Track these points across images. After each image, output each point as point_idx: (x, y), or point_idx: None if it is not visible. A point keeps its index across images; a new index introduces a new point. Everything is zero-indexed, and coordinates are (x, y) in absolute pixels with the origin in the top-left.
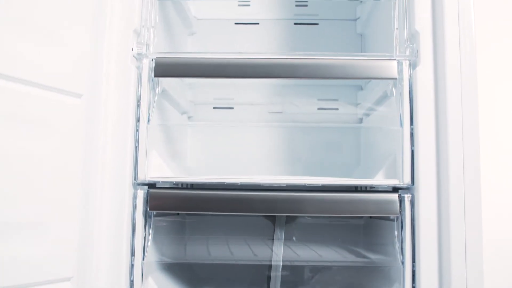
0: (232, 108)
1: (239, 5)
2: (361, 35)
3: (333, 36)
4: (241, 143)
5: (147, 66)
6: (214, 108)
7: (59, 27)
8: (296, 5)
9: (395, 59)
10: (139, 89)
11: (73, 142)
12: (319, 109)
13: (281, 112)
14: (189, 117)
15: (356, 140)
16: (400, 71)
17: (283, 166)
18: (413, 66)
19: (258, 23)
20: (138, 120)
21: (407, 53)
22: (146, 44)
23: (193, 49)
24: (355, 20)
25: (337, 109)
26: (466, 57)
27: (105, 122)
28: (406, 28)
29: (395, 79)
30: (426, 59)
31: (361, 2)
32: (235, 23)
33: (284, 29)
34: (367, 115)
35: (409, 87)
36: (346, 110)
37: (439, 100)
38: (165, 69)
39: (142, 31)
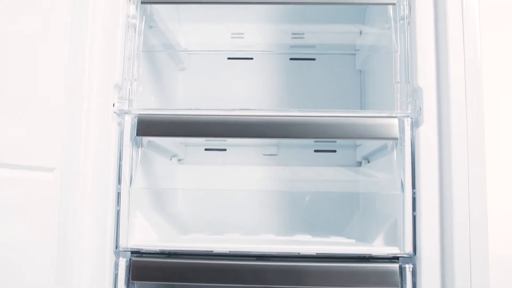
0: (225, 150)
1: (232, 37)
2: (360, 71)
3: (331, 71)
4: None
5: (130, 124)
6: (205, 149)
7: (29, 93)
8: (293, 37)
9: (396, 117)
10: (120, 148)
11: (46, 221)
12: (315, 151)
13: (276, 155)
14: (179, 160)
15: (355, 187)
16: (402, 129)
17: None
18: (415, 124)
19: (252, 58)
20: (119, 182)
21: (409, 110)
22: (129, 99)
23: (184, 86)
24: (354, 54)
25: (335, 151)
26: (473, 117)
27: (83, 189)
28: (408, 82)
29: (396, 139)
30: (430, 118)
31: (360, 33)
32: (228, 58)
33: (280, 64)
34: (367, 160)
35: (411, 147)
36: (344, 154)
37: (444, 162)
38: (149, 128)
39: (124, 85)
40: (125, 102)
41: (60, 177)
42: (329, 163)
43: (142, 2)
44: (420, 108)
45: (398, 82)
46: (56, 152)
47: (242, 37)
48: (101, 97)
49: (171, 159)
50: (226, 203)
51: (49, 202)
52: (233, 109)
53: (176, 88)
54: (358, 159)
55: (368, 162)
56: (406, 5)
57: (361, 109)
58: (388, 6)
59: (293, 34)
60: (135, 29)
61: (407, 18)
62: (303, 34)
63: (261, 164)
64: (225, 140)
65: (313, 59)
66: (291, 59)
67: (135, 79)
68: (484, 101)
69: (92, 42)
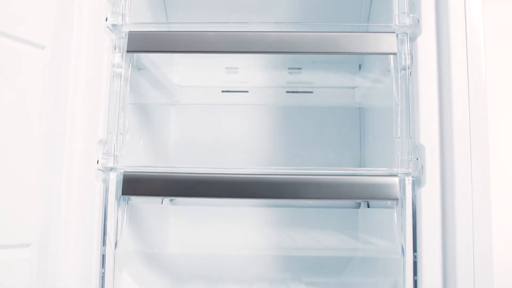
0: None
1: (226, 72)
2: (360, 104)
3: (330, 102)
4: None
5: (115, 181)
6: None
7: None
8: (289, 72)
9: (396, 175)
10: (105, 207)
11: None
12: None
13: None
14: (171, 200)
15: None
16: (403, 188)
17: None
18: (417, 183)
19: (247, 91)
20: (104, 243)
21: (411, 168)
22: (114, 155)
23: (176, 120)
24: (353, 88)
25: None
26: (479, 179)
27: (64, 253)
28: (410, 137)
29: (397, 199)
30: (433, 178)
31: (360, 68)
32: (222, 91)
33: (276, 98)
34: (366, 203)
35: (413, 208)
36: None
37: (447, 225)
38: (136, 187)
39: (109, 139)
40: (110, 158)
41: (38, 248)
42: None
43: (127, 51)
44: (422, 167)
45: (399, 137)
46: (32, 225)
47: (237, 72)
48: (84, 154)
49: (162, 202)
50: (221, 245)
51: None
52: (225, 168)
53: (168, 122)
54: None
55: (368, 206)
56: (408, 54)
57: (360, 147)
58: (389, 55)
59: (290, 68)
60: (121, 78)
61: (408, 68)
62: (300, 68)
63: (256, 221)
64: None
65: (311, 92)
66: (287, 92)
67: (121, 133)
68: (490, 162)
69: (74, 95)
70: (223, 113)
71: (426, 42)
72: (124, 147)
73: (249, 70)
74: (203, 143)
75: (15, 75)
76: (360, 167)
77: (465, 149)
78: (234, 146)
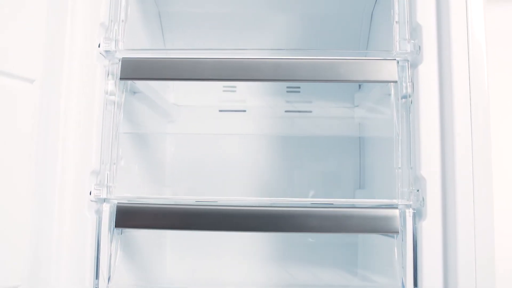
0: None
1: (224, 91)
2: (359, 124)
3: (328, 124)
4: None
5: (108, 213)
6: None
7: None
8: (288, 91)
9: (397, 207)
10: (98, 240)
11: None
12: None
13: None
14: None
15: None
16: (403, 221)
17: None
18: (418, 215)
19: (245, 111)
20: (96, 277)
21: (411, 200)
22: (107, 186)
23: (173, 139)
24: (353, 107)
25: None
26: (481, 212)
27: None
28: (411, 168)
29: (397, 232)
30: (434, 210)
31: (359, 87)
32: (220, 110)
33: (274, 117)
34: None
35: (413, 241)
36: None
37: (449, 260)
38: (130, 218)
39: (102, 170)
40: (103, 189)
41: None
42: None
43: (121, 79)
44: (423, 199)
45: (399, 168)
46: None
47: (235, 91)
48: (76, 185)
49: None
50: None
51: None
52: (221, 198)
53: (164, 142)
54: None
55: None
56: (409, 82)
57: (360, 168)
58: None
59: (288, 87)
60: (114, 105)
61: (409, 96)
62: (299, 87)
63: (252, 255)
64: None
65: (310, 111)
66: (286, 111)
67: (114, 163)
68: (493, 196)
69: (66, 125)
70: (221, 133)
71: (428, 70)
72: (118, 176)
73: (247, 89)
74: (200, 164)
75: (3, 110)
76: (360, 189)
77: (468, 181)
78: (232, 168)
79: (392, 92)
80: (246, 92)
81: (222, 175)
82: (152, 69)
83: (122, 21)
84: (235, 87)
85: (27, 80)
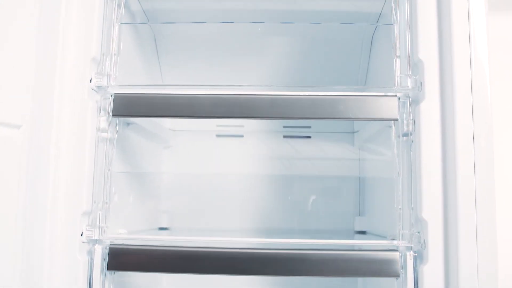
0: None
1: (217, 136)
2: (359, 148)
3: (328, 150)
4: None
5: (100, 254)
6: None
7: None
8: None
9: (397, 250)
10: (90, 282)
11: None
12: None
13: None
14: None
15: None
16: (404, 263)
17: None
18: (419, 259)
19: (242, 136)
20: None
21: (412, 243)
22: (99, 227)
23: (169, 164)
24: (353, 133)
25: None
26: (484, 257)
27: None
28: (412, 209)
29: (398, 276)
30: (436, 254)
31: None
32: (217, 135)
33: (272, 143)
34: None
35: (414, 285)
36: None
37: None
38: (123, 261)
39: (94, 210)
40: (95, 230)
41: None
42: None
43: (113, 115)
44: (424, 242)
45: (400, 208)
46: None
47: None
48: (68, 226)
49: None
50: None
51: None
52: (215, 239)
53: (159, 168)
54: None
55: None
56: (410, 119)
57: (359, 197)
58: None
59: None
60: (106, 142)
61: (410, 135)
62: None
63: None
64: None
65: (309, 137)
66: (284, 136)
67: (107, 202)
68: (497, 241)
69: (56, 166)
70: (218, 159)
71: (430, 108)
72: (112, 213)
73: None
74: (197, 193)
75: None
76: (359, 216)
77: (471, 224)
78: (229, 196)
79: (393, 130)
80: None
81: (219, 203)
82: (146, 106)
83: (115, 54)
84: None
85: (13, 127)
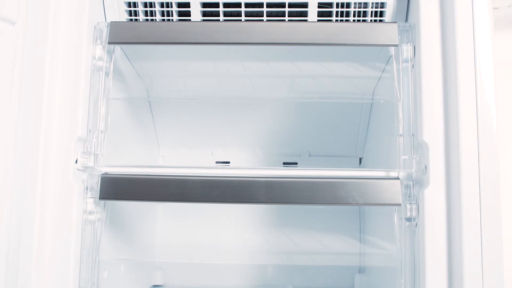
0: None
1: (216, 162)
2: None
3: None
4: None
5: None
6: None
7: None
8: (285, 167)
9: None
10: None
11: None
12: None
13: None
14: None
15: None
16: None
17: None
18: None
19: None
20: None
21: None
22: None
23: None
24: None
25: None
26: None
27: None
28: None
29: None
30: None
31: (360, 162)
32: None
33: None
34: None
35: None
36: None
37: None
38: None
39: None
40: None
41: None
42: None
43: (100, 198)
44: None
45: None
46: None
47: (228, 163)
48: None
49: None
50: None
51: None
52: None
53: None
54: None
55: None
56: (414, 204)
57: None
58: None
59: (285, 163)
60: (93, 227)
61: (413, 220)
62: (296, 163)
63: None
64: None
65: None
66: None
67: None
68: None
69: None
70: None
71: (435, 194)
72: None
73: (241, 164)
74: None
75: None
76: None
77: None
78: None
79: (396, 214)
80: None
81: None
82: (135, 188)
83: (102, 131)
84: (229, 162)
85: None
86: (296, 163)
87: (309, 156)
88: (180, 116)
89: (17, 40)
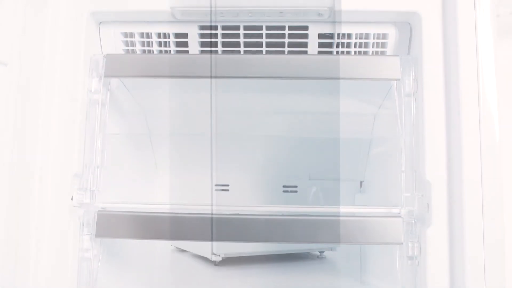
0: None
1: (215, 190)
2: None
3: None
4: None
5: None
6: None
7: None
8: (284, 191)
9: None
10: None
11: None
12: None
13: None
14: None
15: None
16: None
17: None
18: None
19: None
20: None
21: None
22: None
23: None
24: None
25: None
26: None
27: None
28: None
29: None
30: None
31: (361, 186)
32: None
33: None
34: None
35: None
36: None
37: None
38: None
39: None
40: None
41: None
42: None
43: (96, 236)
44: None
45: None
46: None
47: (228, 190)
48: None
49: None
50: None
51: None
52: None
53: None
54: None
55: None
56: (416, 243)
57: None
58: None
59: (285, 187)
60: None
61: (415, 259)
62: (296, 186)
63: None
64: None
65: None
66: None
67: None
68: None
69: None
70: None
71: (438, 234)
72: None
73: (240, 190)
74: None
75: None
76: None
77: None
78: None
79: (397, 252)
80: (239, 194)
81: None
82: (132, 226)
83: (98, 167)
84: (228, 185)
85: None
86: (296, 186)
87: (309, 179)
88: (180, 145)
89: (11, 79)
